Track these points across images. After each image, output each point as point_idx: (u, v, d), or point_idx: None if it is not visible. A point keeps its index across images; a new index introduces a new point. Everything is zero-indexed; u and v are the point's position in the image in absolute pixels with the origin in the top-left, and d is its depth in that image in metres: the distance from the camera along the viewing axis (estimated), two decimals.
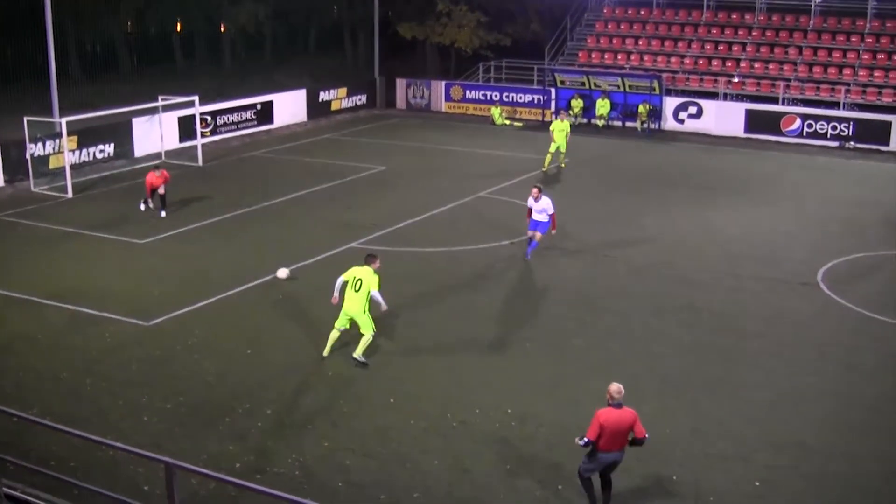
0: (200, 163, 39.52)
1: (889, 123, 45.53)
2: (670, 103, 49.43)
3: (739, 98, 49.52)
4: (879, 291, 25.16)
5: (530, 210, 26.87)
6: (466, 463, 16.10)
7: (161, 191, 30.90)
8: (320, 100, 52.02)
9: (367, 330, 19.56)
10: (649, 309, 23.37)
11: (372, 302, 19.53)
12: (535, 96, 53.06)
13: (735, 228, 30.74)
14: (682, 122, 49.17)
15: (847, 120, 46.28)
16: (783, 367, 20.36)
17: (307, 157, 41.27)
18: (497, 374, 19.61)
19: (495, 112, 51.66)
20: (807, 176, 39.65)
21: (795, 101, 48.48)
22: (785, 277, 25.92)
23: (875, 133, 45.63)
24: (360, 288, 19.33)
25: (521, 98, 53.33)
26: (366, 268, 19.52)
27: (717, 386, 19.29)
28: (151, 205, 31.49)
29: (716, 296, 24.25)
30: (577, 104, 50.48)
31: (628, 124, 49.36)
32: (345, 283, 19.53)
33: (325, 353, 20.06)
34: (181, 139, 41.58)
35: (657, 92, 49.23)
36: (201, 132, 41.26)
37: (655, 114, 49.06)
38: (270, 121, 48.26)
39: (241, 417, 17.52)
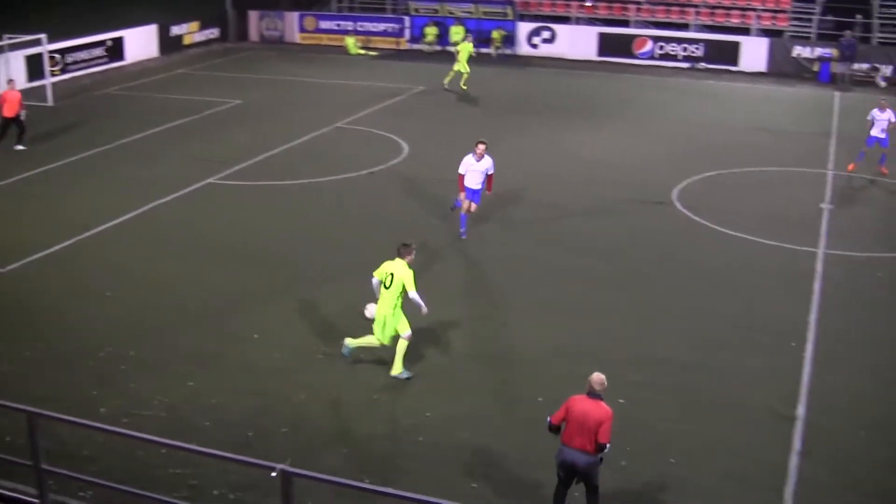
0: (51, 102, 38.27)
1: (738, 44, 46.68)
2: (524, 28, 49.70)
3: (592, 22, 49.98)
4: (730, 208, 25.87)
5: (462, 176, 22.97)
6: (333, 394, 16.17)
7: (22, 117, 30.01)
8: (172, 34, 50.76)
9: (403, 330, 16.57)
10: (508, 234, 23.63)
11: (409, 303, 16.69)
12: (389, 25, 52.76)
13: (591, 151, 31.23)
14: (535, 46, 49.52)
15: (697, 41, 47.24)
16: (643, 286, 20.88)
17: (161, 94, 40.36)
18: (361, 301, 19.60)
19: (350, 42, 51.22)
20: (660, 97, 40.48)
21: (647, 24, 49.17)
22: (641, 197, 26.48)
23: (725, 54, 46.74)
24: (391, 284, 16.37)
25: (374, 27, 52.95)
26: (398, 261, 16.50)
27: (581, 307, 19.69)
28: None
29: (574, 218, 24.66)
30: (431, 32, 50.38)
31: (482, 50, 49.51)
32: (380, 283, 16.64)
33: (350, 343, 17.08)
34: (30, 79, 40.18)
35: (510, 17, 49.41)
36: (51, 71, 39.94)
37: (509, 39, 49.25)
38: (122, 57, 46.96)
39: (104, 361, 17.15)
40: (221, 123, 35.00)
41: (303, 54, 51.14)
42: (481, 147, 22.81)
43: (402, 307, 16.52)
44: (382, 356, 17.02)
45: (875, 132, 28.85)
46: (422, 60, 48.90)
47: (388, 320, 16.40)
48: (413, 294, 16.29)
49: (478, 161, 22.82)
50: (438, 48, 50.38)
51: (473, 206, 23.16)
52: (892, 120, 28.79)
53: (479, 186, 22.97)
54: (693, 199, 26.46)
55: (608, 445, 12.29)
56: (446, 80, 41.21)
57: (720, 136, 33.74)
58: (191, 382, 16.42)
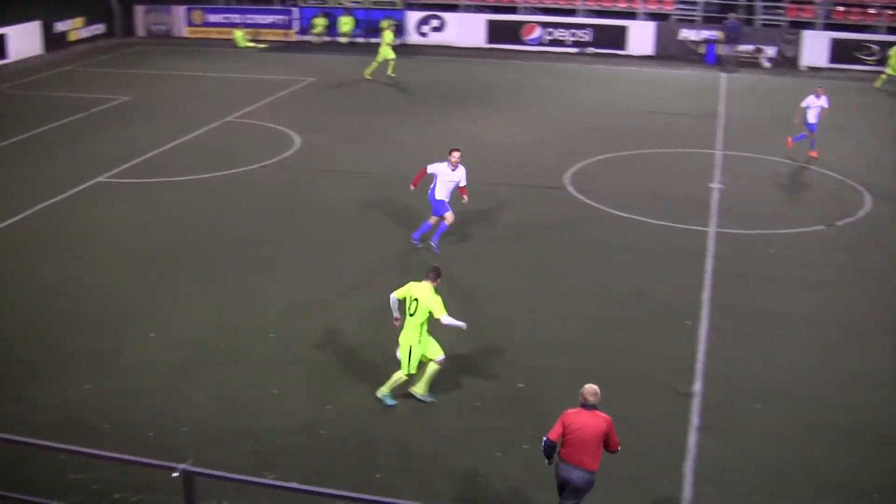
0: None
1: (625, 28, 47.24)
2: (413, 17, 49.69)
3: (480, 9, 50.14)
4: (622, 190, 26.23)
5: (426, 171, 21.54)
6: (232, 392, 16.04)
7: None
8: (56, 31, 49.57)
9: (435, 354, 15.45)
10: (403, 223, 23.62)
11: (440, 326, 15.47)
12: (278, 17, 52.29)
13: (484, 138, 31.34)
14: (425, 35, 49.55)
15: (585, 27, 47.74)
16: (539, 270, 21.08)
17: (46, 92, 39.44)
18: (258, 296, 19.50)
19: (238, 35, 50.67)
20: (550, 83, 40.82)
21: (535, 10, 49.49)
22: (534, 183, 26.73)
23: (612, 38, 47.34)
24: (415, 311, 15.06)
25: (263, 19, 52.39)
26: (425, 284, 15.26)
27: (478, 293, 19.77)
28: None
29: (468, 205, 24.71)
30: (319, 23, 50.12)
31: (372, 40, 49.34)
32: (398, 302, 15.60)
33: (386, 392, 15.64)
34: None
35: (399, 6, 49.38)
36: None
37: (399, 29, 49.22)
38: (4, 55, 45.83)
39: None
40: (110, 120, 34.32)
41: (191, 48, 50.41)
42: (456, 154, 21.11)
43: (430, 332, 15.40)
44: (274, 354, 16.96)
45: (811, 118, 29.40)
46: (311, 52, 48.63)
47: (413, 349, 15.17)
48: (446, 319, 15.07)
49: (453, 170, 21.20)
50: (327, 39, 50.14)
51: (449, 216, 21.56)
52: (826, 107, 29.41)
53: (448, 198, 21.43)
54: (585, 182, 26.77)
55: (620, 448, 12.17)
56: (368, 72, 40.95)
57: (610, 120, 34.18)
58: (88, 385, 16.14)
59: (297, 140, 30.92)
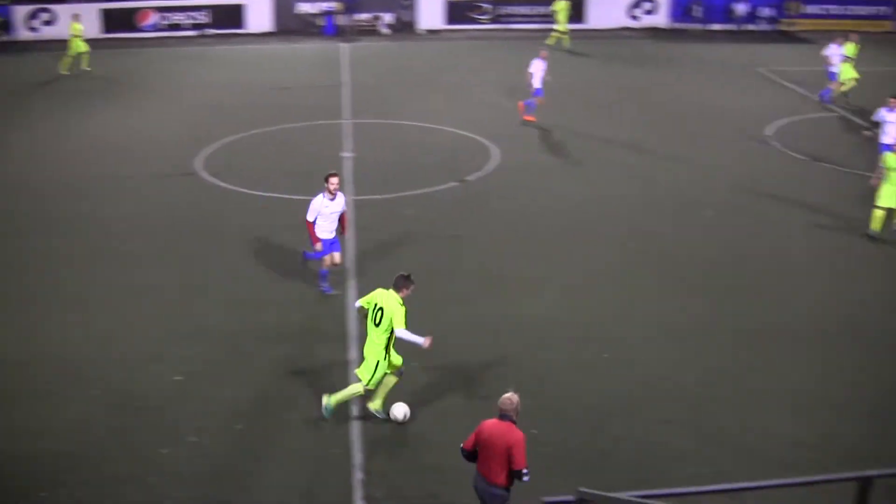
0: None
1: (241, 7, 46.80)
2: (20, 11, 47.02)
3: None
4: (256, 169, 26.12)
5: (312, 222, 18.13)
6: None
7: None
8: None
9: (363, 375, 14.28)
10: (40, 225, 22.34)
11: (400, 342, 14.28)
12: None
13: (113, 132, 30.03)
14: (36, 30, 47.01)
15: (202, 8, 46.89)
16: (183, 261, 20.52)
17: None
18: None
19: None
20: (173, 68, 39.73)
21: None
22: (167, 171, 25.96)
23: (230, 18, 46.84)
24: (380, 321, 13.97)
25: None
26: (391, 293, 14.02)
27: (121, 292, 19.05)
28: None
29: (90, 202, 23.67)
30: None
31: None
32: (362, 310, 14.49)
33: (331, 402, 14.51)
34: None
35: (6, 2, 46.69)
36: None
37: (6, 25, 46.48)
38: None
39: None
40: None
41: None
42: (335, 181, 18.12)
43: (396, 345, 14.31)
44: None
45: (536, 83, 30.37)
46: None
47: (380, 364, 14.09)
48: (401, 331, 13.85)
49: (332, 200, 18.17)
50: None
51: (337, 256, 18.76)
52: (544, 69, 30.50)
53: (334, 234, 18.50)
54: (218, 165, 26.33)
55: (525, 472, 11.12)
56: (63, 67, 38.39)
57: (237, 100, 33.73)
58: None
59: None
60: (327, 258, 18.56)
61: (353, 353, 16.25)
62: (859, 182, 24.31)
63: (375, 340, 14.06)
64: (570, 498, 9.68)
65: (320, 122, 30.59)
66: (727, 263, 20.52)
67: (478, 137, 28.61)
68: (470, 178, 25.17)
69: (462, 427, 12.23)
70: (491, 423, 11.23)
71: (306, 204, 18.00)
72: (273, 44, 44.84)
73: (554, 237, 21.66)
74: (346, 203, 18.71)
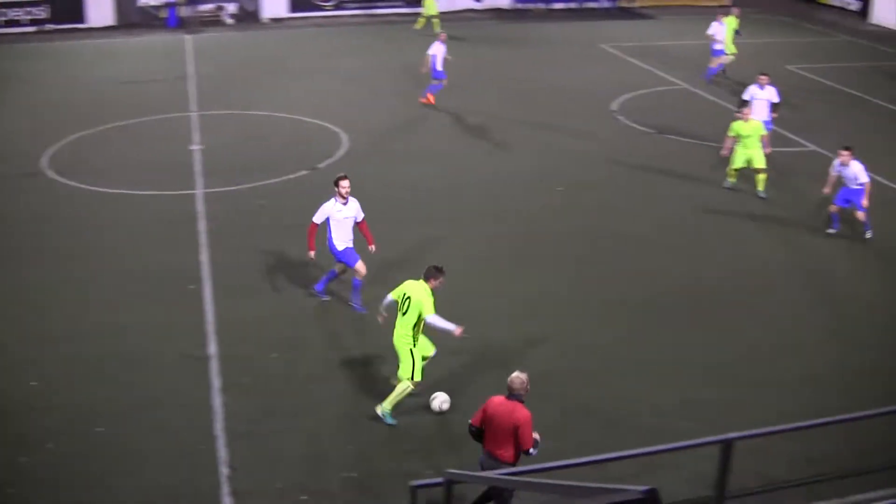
0: None
1: (81, 1, 45.79)
2: None
3: None
4: (104, 166, 25.67)
5: (317, 224, 17.21)
6: None
7: None
8: None
9: (405, 373, 14.20)
10: None
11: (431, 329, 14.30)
12: None
13: None
14: None
15: (40, 3, 45.73)
16: (25, 263, 20.19)
17: None
18: None
19: None
20: (12, 66, 38.53)
21: None
22: (9, 172, 25.34)
23: (70, 12, 45.66)
24: (407, 310, 14.01)
25: None
26: (420, 283, 14.07)
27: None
28: None
29: None
30: None
31: None
32: (394, 303, 14.39)
33: (387, 408, 14.38)
34: None
35: None
36: None
37: None
38: None
39: None
40: None
41: None
42: (345, 184, 17.08)
43: (425, 332, 14.31)
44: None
45: (438, 65, 30.82)
46: None
47: (413, 353, 14.11)
48: (431, 317, 13.90)
49: (345, 205, 17.16)
50: None
51: (361, 266, 17.49)
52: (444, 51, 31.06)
53: (351, 242, 17.40)
54: (64, 163, 25.84)
55: (532, 451, 11.31)
56: None
57: (81, 96, 33.10)
58: None
59: None
60: (338, 266, 17.79)
61: (211, 349, 16.37)
62: (707, 153, 25.46)
63: (401, 331, 14.13)
64: (438, 480, 9.92)
65: (167, 115, 30.29)
66: (581, 238, 21.18)
67: (327, 125, 28.77)
68: (321, 165, 25.34)
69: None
70: (498, 401, 11.38)
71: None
72: (116, 37, 43.91)
73: (404, 219, 21.94)
74: (360, 207, 17.62)
